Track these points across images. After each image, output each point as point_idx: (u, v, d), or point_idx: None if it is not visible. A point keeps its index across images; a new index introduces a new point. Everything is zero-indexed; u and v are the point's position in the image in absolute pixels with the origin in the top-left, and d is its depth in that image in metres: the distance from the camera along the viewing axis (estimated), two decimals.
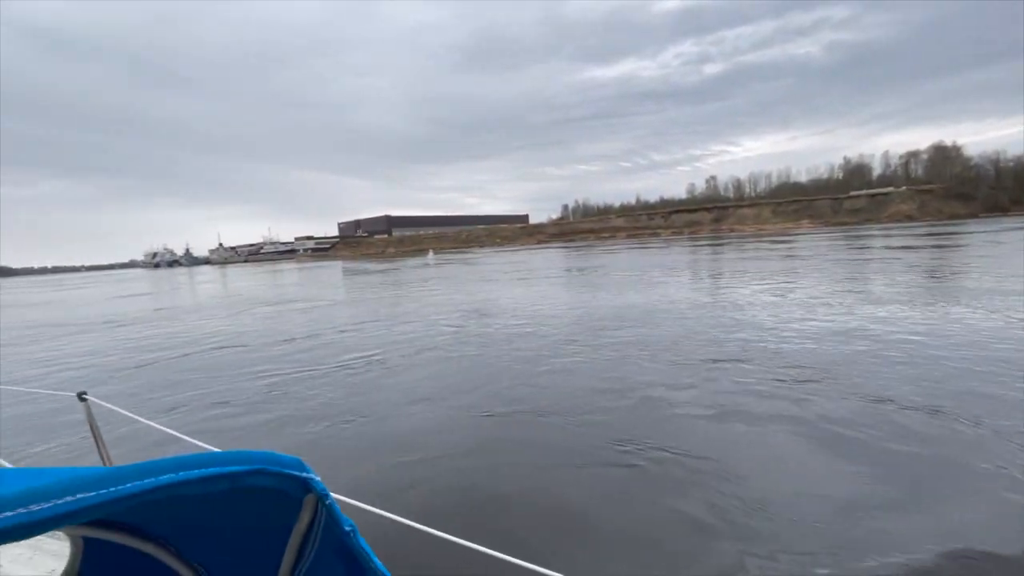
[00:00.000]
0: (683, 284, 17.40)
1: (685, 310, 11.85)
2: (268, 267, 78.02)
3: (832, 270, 18.72)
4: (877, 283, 14.41)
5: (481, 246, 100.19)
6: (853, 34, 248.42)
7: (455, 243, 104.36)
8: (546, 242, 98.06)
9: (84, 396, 2.28)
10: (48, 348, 13.10)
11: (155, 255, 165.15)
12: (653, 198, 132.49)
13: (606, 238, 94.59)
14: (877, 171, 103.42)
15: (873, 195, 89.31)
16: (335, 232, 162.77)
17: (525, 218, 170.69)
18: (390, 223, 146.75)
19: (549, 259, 41.20)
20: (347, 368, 8.39)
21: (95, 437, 2.32)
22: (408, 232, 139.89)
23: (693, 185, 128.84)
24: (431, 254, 64.78)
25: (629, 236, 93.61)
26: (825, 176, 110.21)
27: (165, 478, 0.54)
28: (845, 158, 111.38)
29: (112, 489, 0.50)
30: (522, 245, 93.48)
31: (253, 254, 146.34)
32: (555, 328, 10.65)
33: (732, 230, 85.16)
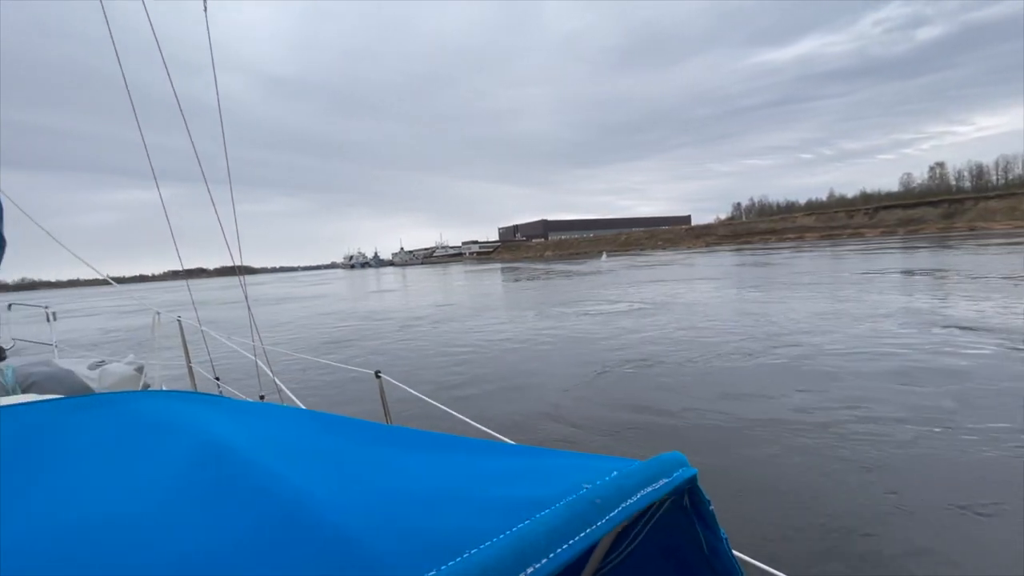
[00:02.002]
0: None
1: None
2: (441, 268, 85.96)
3: None
4: None
5: (641, 249, 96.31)
6: None
7: (614, 246, 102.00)
8: (715, 244, 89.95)
9: (379, 374, 2.49)
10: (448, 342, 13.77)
11: (351, 258, 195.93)
12: (849, 192, 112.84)
13: (790, 240, 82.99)
14: None
15: None
16: (496, 237, 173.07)
17: (687, 219, 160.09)
18: (546, 227, 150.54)
19: (746, 263, 36.98)
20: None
21: (385, 411, 2.54)
22: (563, 236, 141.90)
23: (909, 175, 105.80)
24: (604, 256, 64.87)
25: (822, 237, 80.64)
26: None
27: (621, 513, 0.52)
28: None
29: (588, 532, 0.48)
30: (688, 248, 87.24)
31: (428, 257, 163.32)
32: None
33: (972, 228, 67.41)
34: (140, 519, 0.52)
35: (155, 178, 3.68)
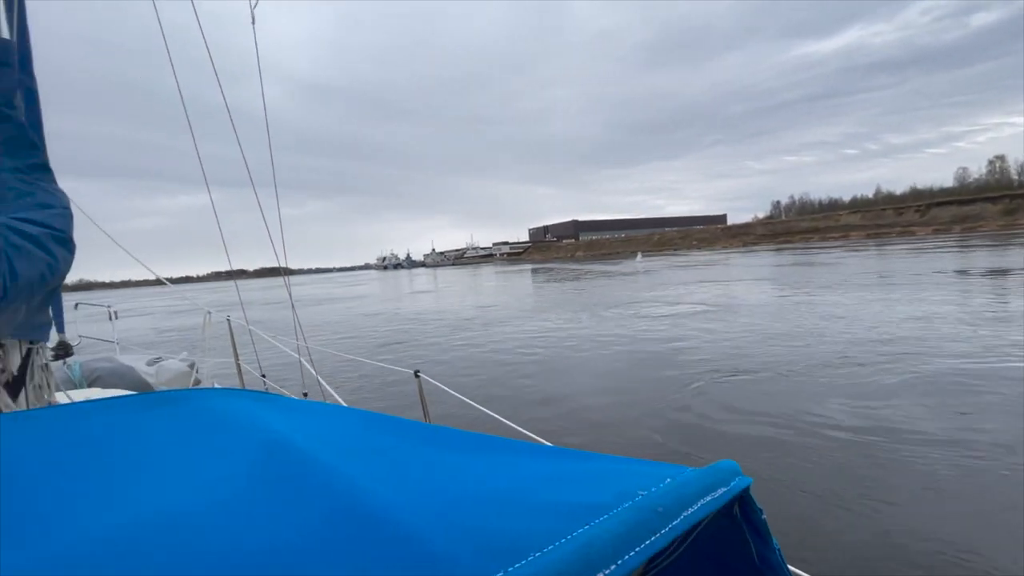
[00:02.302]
0: None
1: None
2: (472, 269, 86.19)
3: None
4: None
5: (675, 249, 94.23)
6: None
7: (647, 246, 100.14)
8: (753, 244, 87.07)
9: (418, 373, 2.50)
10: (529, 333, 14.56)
11: (384, 259, 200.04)
12: (897, 189, 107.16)
13: (834, 239, 79.46)
14: None
15: None
16: (526, 237, 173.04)
17: (722, 218, 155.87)
18: (577, 228, 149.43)
19: (796, 263, 35.47)
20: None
21: (424, 410, 2.55)
22: (594, 236, 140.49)
23: (964, 170, 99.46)
24: (639, 256, 64.15)
25: (868, 236, 76.90)
26: None
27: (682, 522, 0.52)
28: None
29: (657, 536, 0.49)
30: (723, 248, 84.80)
31: (458, 258, 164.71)
32: None
33: None
34: (210, 516, 0.53)
35: (207, 184, 3.85)
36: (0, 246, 1.26)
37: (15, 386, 1.75)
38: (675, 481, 0.57)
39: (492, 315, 17.92)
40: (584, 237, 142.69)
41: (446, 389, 2.73)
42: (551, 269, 57.37)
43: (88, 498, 0.57)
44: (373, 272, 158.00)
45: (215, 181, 3.83)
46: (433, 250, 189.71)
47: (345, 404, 3.10)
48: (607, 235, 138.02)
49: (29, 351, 1.81)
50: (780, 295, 16.85)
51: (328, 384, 3.56)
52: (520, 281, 40.12)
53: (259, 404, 0.96)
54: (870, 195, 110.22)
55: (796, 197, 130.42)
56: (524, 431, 2.39)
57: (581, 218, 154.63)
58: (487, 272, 66.17)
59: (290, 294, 4.21)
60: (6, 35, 1.99)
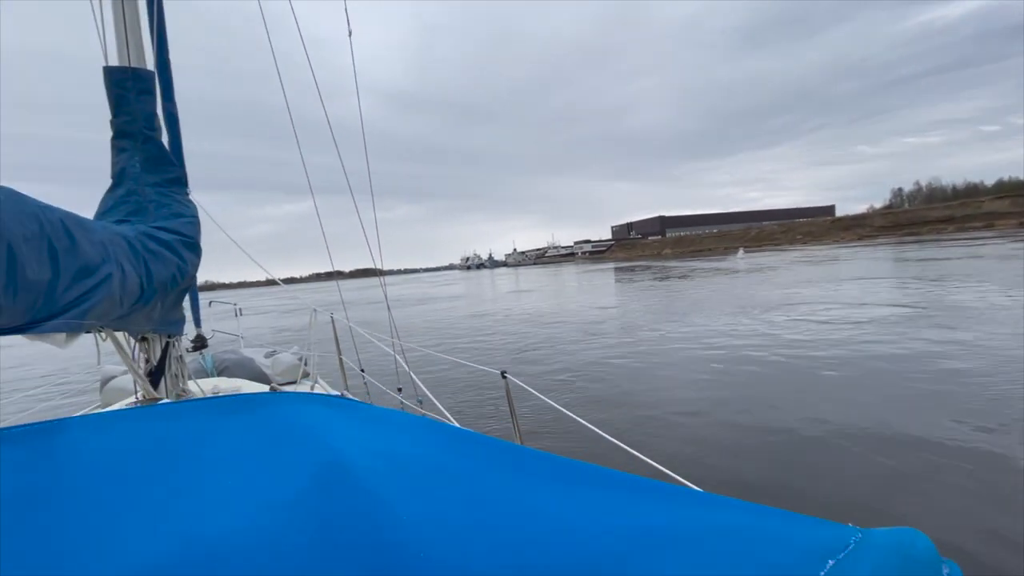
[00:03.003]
0: None
1: None
2: (554, 268, 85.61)
3: None
4: None
5: (777, 244, 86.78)
6: None
7: (743, 241, 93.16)
8: (870, 237, 77.56)
9: (505, 374, 2.45)
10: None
11: (468, 259, 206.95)
12: None
13: (975, 228, 68.41)
14: None
15: None
16: (608, 235, 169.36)
17: (830, 209, 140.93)
18: (663, 224, 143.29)
19: (951, 256, 30.84)
20: None
21: (511, 411, 2.49)
22: (683, 232, 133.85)
23: None
24: (741, 252, 60.63)
25: (1022, 224, 65.11)
26: None
27: None
28: None
29: None
30: (834, 242, 76.56)
31: (539, 257, 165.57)
32: None
33: None
34: (245, 545, 0.51)
35: (311, 192, 4.18)
36: (139, 252, 1.43)
37: (156, 375, 2.02)
38: (864, 547, 0.46)
39: (623, 318, 15.79)
40: (671, 233, 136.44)
41: (535, 392, 2.56)
42: (647, 267, 54.40)
43: (133, 511, 0.56)
44: (457, 272, 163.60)
45: (316, 189, 4.16)
46: (515, 250, 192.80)
47: (435, 400, 3.19)
48: (696, 231, 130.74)
49: (167, 344, 2.08)
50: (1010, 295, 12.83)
51: (421, 381, 3.67)
52: (617, 279, 38.72)
53: (336, 413, 0.95)
54: (1021, 177, 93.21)
55: (922, 182, 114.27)
56: (632, 450, 1.94)
57: (668, 213, 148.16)
58: (571, 271, 65.46)
59: (385, 295, 4.43)
60: (150, 67, 2.29)
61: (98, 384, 4.18)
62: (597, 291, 29.39)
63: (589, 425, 2.18)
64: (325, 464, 0.70)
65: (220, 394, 3.42)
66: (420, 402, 3.49)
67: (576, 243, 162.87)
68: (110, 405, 3.46)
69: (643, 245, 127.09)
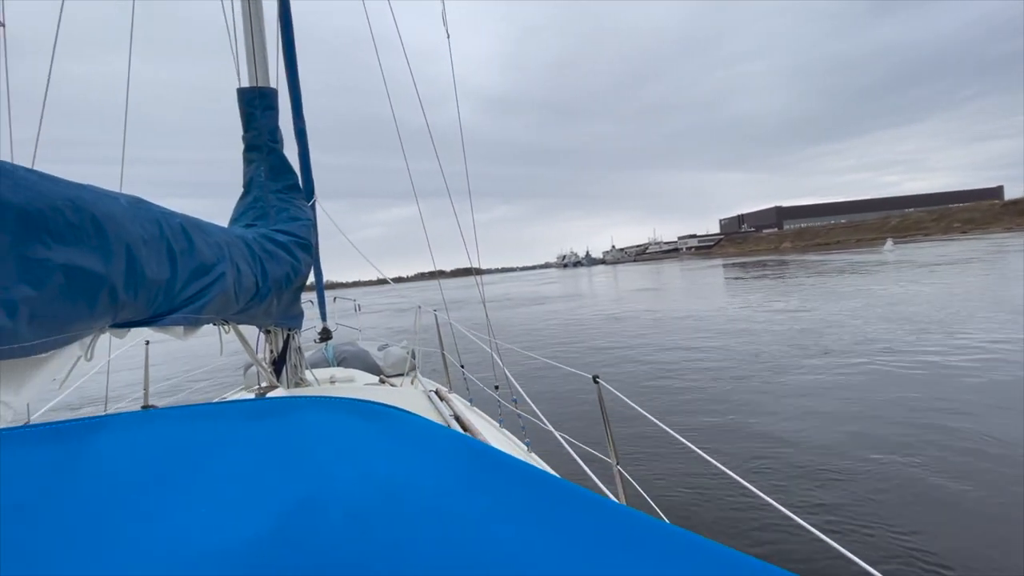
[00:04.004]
0: None
1: None
2: (655, 265, 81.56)
3: None
4: None
5: (927, 234, 74.57)
6: None
7: (883, 232, 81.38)
8: None
9: (597, 379, 2.41)
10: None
11: (564, 257, 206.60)
12: None
13: None
14: None
15: None
16: (715, 229, 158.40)
17: (996, 191, 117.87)
18: (780, 215, 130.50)
19: None
20: None
21: (603, 419, 2.38)
22: (803, 224, 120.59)
23: None
24: (890, 243, 54.45)
25: None
26: None
27: None
28: None
29: None
30: (1006, 230, 63.78)
31: (640, 254, 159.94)
32: None
33: None
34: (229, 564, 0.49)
35: (415, 197, 4.41)
36: (256, 252, 1.57)
37: (278, 365, 2.24)
38: None
39: (833, 326, 11.91)
40: (789, 225, 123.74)
41: (627, 401, 2.42)
42: (780, 262, 48.31)
43: (137, 520, 0.55)
44: (554, 271, 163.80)
45: (419, 193, 4.39)
46: (613, 247, 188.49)
47: (528, 398, 3.14)
48: (819, 222, 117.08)
49: (288, 336, 2.30)
50: None
51: (516, 381, 3.67)
52: (749, 276, 34.98)
53: (373, 424, 0.86)
54: None
55: None
56: (746, 483, 1.66)
57: (785, 204, 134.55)
58: (676, 269, 61.04)
59: (482, 294, 4.54)
60: (273, 85, 2.54)
61: (242, 370, 4.81)
62: (740, 289, 25.07)
63: (683, 439, 1.97)
64: (310, 491, 0.64)
65: (335, 383, 3.72)
66: (515, 401, 3.48)
67: (680, 238, 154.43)
68: (250, 388, 3.94)
69: (756, 239, 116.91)
